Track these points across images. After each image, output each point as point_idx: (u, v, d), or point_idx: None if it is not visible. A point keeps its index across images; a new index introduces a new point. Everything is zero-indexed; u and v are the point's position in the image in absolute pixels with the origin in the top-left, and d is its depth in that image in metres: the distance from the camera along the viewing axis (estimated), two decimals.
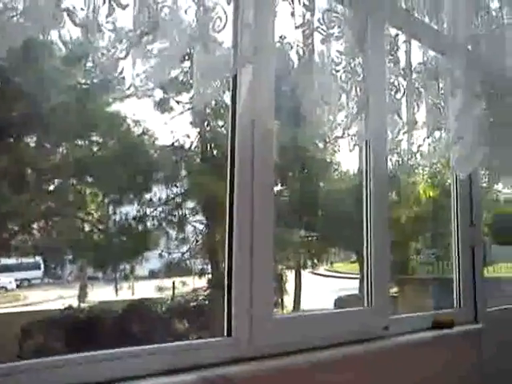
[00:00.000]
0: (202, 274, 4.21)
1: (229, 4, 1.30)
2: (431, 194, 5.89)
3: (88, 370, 1.23)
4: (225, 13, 1.28)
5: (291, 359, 1.56)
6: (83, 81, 3.43)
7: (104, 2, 1.06)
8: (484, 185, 2.70)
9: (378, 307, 1.92)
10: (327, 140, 1.62)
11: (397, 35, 1.86)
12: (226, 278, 1.52)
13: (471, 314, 2.42)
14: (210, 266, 4.25)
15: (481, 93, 2.16)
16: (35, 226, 3.58)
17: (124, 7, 1.08)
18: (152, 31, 1.13)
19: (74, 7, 1.02)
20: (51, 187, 3.72)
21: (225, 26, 1.28)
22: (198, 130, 4.30)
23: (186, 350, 1.42)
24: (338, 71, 1.59)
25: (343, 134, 1.61)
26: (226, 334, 1.50)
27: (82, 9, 1.03)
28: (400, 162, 1.98)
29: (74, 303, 3.54)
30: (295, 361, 1.56)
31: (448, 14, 2.12)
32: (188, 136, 4.18)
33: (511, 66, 2.48)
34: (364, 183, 1.98)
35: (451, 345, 2.14)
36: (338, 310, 1.88)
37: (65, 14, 1.01)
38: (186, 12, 1.22)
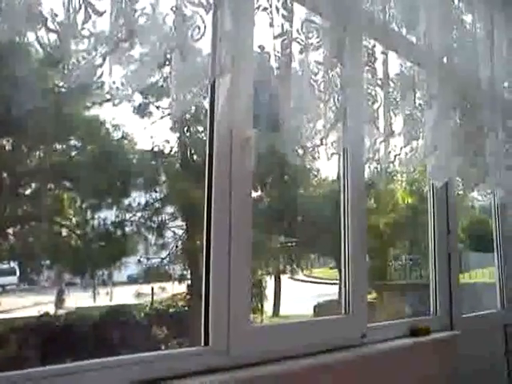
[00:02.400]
0: (181, 279, 4.18)
1: (207, 13, 1.30)
2: (409, 200, 5.96)
3: (64, 382, 1.21)
4: (203, 22, 1.29)
5: (269, 368, 1.55)
6: (61, 84, 3.39)
7: (80, 8, 1.05)
8: (460, 192, 2.74)
9: (355, 315, 1.93)
10: (305, 148, 1.62)
11: (374, 46, 1.88)
12: (203, 286, 1.51)
13: (447, 321, 2.46)
14: (189, 272, 4.23)
15: (456, 104, 2.21)
16: (10, 230, 3.52)
17: (101, 14, 1.07)
18: (129, 38, 1.12)
19: (49, 12, 1.01)
20: (27, 191, 3.66)
21: (203, 34, 1.28)
22: (178, 135, 4.29)
23: (163, 359, 1.40)
24: (316, 81, 1.60)
25: (321, 142, 1.62)
26: (203, 343, 1.49)
27: (55, 14, 1.02)
28: (378, 170, 2.00)
29: (51, 310, 3.49)
30: (273, 370, 1.55)
31: (423, 26, 2.16)
32: (168, 141, 4.17)
33: (485, 78, 2.54)
34: (342, 190, 2.00)
35: (428, 352, 2.16)
36: (316, 318, 1.89)
37: (39, 19, 1.00)
38: (164, 20, 1.22)
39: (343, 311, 1.93)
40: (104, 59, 1.07)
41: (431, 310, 2.45)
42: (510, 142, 2.65)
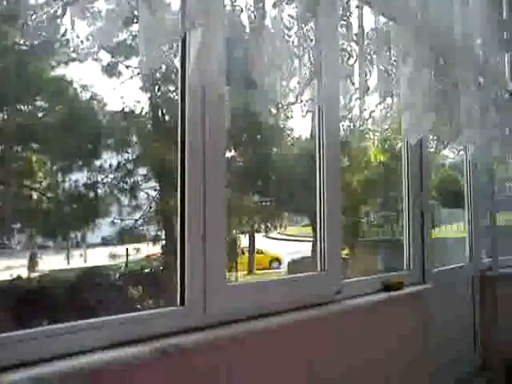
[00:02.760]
0: (155, 240, 4.16)
1: None
2: (382, 158, 6.01)
3: (38, 345, 1.20)
4: None
5: (245, 326, 1.57)
6: (22, 41, 3.23)
7: None
8: (431, 150, 2.76)
9: (330, 272, 1.96)
10: (280, 106, 1.59)
11: (349, 0, 1.83)
12: (179, 246, 1.50)
13: (420, 275, 2.52)
14: (163, 233, 4.21)
15: (430, 61, 2.19)
16: None
17: None
18: None
19: None
20: None
21: None
22: (149, 95, 4.18)
23: (138, 320, 1.40)
24: (290, 36, 1.55)
25: (296, 99, 1.59)
26: (179, 303, 1.49)
27: None
28: (351, 128, 1.98)
29: (24, 273, 3.44)
30: (249, 327, 1.57)
31: None
32: (138, 101, 4.05)
33: (459, 35, 2.52)
34: (317, 149, 1.99)
35: (401, 305, 2.23)
36: (292, 276, 1.91)
37: None
38: None
39: (318, 268, 1.95)
40: (64, 10, 1.00)
41: (404, 264, 2.51)
42: (482, 99, 2.66)
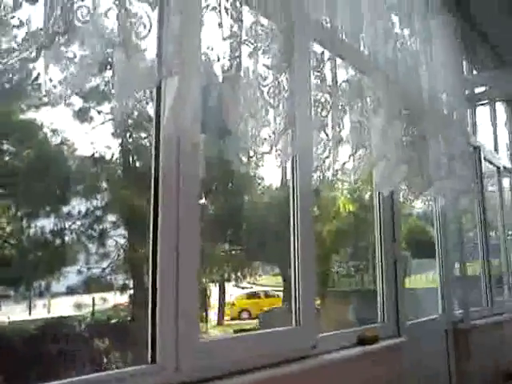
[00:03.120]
0: (123, 289, 4.05)
1: (153, 10, 1.23)
2: (350, 208, 6.09)
3: None
4: (149, 19, 1.22)
5: None
6: None
7: None
8: (401, 200, 2.80)
9: (306, 326, 1.91)
10: (252, 154, 1.58)
11: (322, 52, 1.88)
12: (150, 299, 1.42)
13: (394, 328, 2.49)
14: (132, 282, 4.10)
15: (400, 113, 2.25)
16: None
17: (33, 2, 0.98)
18: (66, 32, 1.03)
19: None
20: None
21: (149, 33, 1.22)
22: (120, 141, 4.16)
23: (110, 380, 1.30)
24: (265, 86, 1.57)
25: (271, 149, 1.58)
26: (150, 361, 1.40)
27: None
28: (321, 177, 1.99)
29: None
30: None
31: (367, 36, 2.19)
32: (109, 147, 4.03)
33: (425, 89, 2.61)
34: (291, 199, 1.97)
35: (376, 359, 2.18)
36: (267, 331, 1.85)
37: None
38: (106, 15, 1.14)
39: (293, 322, 1.90)
40: (38, 54, 0.98)
41: (378, 317, 2.47)
42: (449, 151, 2.73)
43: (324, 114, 1.83)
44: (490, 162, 4.38)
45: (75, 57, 1.09)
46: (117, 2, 1.14)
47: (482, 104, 4.48)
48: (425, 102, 2.58)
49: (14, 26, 0.92)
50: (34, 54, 0.96)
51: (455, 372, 3.04)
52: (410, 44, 2.54)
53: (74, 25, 1.02)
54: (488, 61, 4.20)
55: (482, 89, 4.33)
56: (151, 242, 1.45)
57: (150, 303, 1.41)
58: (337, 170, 1.92)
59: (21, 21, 0.94)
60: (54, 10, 0.99)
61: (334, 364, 1.92)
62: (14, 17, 0.92)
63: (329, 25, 2.01)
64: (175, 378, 1.40)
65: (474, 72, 4.39)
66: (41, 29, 0.97)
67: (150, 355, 1.40)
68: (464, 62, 3.79)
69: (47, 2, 0.99)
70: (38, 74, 1.05)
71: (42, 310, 3.64)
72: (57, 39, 0.99)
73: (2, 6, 0.91)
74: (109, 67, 1.24)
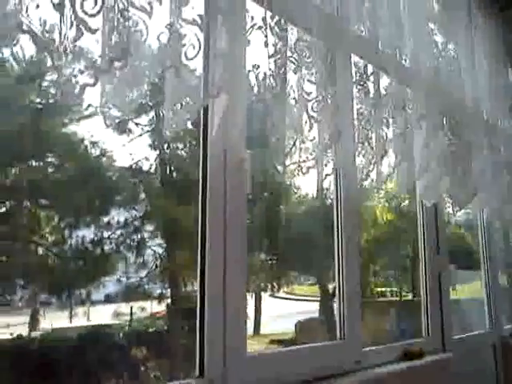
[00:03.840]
0: (160, 298, 4.09)
1: (202, 31, 1.26)
2: (388, 217, 5.99)
3: None
4: (198, 40, 1.25)
5: None
6: (38, 100, 3.31)
7: (72, 25, 1.00)
8: (446, 211, 2.74)
9: (350, 340, 1.89)
10: (297, 167, 1.59)
11: (365, 65, 1.87)
12: (198, 313, 1.44)
13: (439, 342, 2.43)
14: (169, 291, 4.14)
15: (443, 124, 2.22)
16: None
17: (93, 31, 1.02)
18: (122, 57, 1.07)
19: (36, 27, 0.96)
20: (2, 209, 3.55)
21: (198, 53, 1.25)
22: (158, 152, 4.23)
23: None
24: (309, 100, 1.58)
25: (316, 163, 1.59)
26: (198, 374, 1.42)
27: (46, 31, 0.97)
28: (364, 188, 1.98)
29: (25, 332, 3.36)
30: None
31: (409, 47, 2.17)
32: (147, 158, 4.10)
33: (469, 99, 2.57)
34: (334, 209, 1.97)
35: (422, 375, 2.13)
36: (312, 345, 1.84)
37: (27, 35, 0.95)
38: (158, 38, 1.17)
39: (338, 336, 1.89)
40: (96, 79, 1.02)
41: (423, 331, 2.42)
42: (494, 160, 2.67)
43: (368, 126, 1.82)
44: None
45: (123, 75, 1.13)
46: (168, 26, 1.17)
47: None
48: (468, 111, 2.53)
49: (75, 54, 0.96)
50: (92, 80, 1.00)
51: None
52: (451, 52, 2.50)
53: (129, 50, 1.06)
54: None
55: None
56: (199, 254, 1.47)
57: (198, 317, 1.43)
58: (381, 182, 1.90)
59: (81, 48, 0.98)
60: (111, 38, 1.02)
61: (379, 379, 1.89)
62: (75, 46, 0.96)
63: (369, 36, 2.01)
64: None
65: None
66: (99, 56, 1.01)
67: (198, 368, 1.42)
68: (509, 68, 3.70)
69: (105, 31, 1.03)
70: (81, 88, 1.08)
71: (82, 318, 3.71)
72: (114, 64, 1.02)
73: (66, 36, 0.96)
74: (150, 81, 1.27)
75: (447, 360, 2.27)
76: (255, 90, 1.43)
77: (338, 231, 1.94)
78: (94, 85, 1.00)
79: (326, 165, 1.61)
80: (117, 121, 1.18)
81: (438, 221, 2.49)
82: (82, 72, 0.98)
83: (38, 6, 0.95)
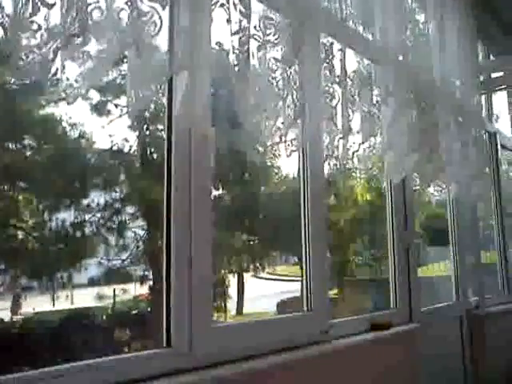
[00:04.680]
0: (143, 280, 4.12)
1: (164, 9, 1.28)
2: (368, 197, 6.07)
3: None
4: (160, 18, 1.26)
5: (232, 368, 1.54)
6: (13, 81, 3.27)
7: (28, 1, 1.01)
8: (417, 188, 2.81)
9: (317, 311, 1.94)
10: (263, 145, 1.63)
11: (332, 43, 1.90)
12: (164, 286, 1.49)
13: (407, 314, 2.51)
14: (151, 273, 4.17)
15: (411, 101, 2.26)
16: None
17: (50, 6, 1.03)
18: (82, 33, 1.09)
19: None
20: None
21: (160, 30, 1.26)
22: (137, 133, 4.22)
23: (126, 363, 1.37)
24: (274, 78, 1.60)
25: (280, 139, 1.62)
26: (165, 345, 1.46)
27: (2, 7, 0.98)
28: (337, 167, 2.02)
29: (6, 316, 3.36)
30: (236, 369, 1.54)
31: (379, 24, 2.20)
32: (127, 140, 4.08)
33: (438, 76, 2.61)
34: (302, 187, 2.01)
35: (389, 345, 2.20)
36: (279, 316, 1.89)
37: None
38: (118, 15, 1.19)
39: (305, 308, 1.94)
40: (55, 54, 1.03)
41: (391, 304, 2.50)
42: (462, 138, 2.73)
43: (333, 103, 1.86)
44: (509, 149, 4.34)
45: (91, 52, 1.14)
46: (129, 3, 1.19)
47: (500, 89, 4.41)
48: (437, 89, 2.57)
49: (32, 30, 0.98)
50: (51, 55, 1.02)
51: (470, 358, 3.05)
52: (423, 30, 2.53)
53: (89, 26, 1.07)
54: (506, 45, 4.14)
55: (500, 74, 4.27)
56: (165, 233, 1.51)
57: (164, 290, 1.47)
58: (347, 159, 1.94)
59: (39, 24, 0.99)
60: (69, 13, 1.04)
61: (346, 349, 1.95)
62: (32, 21, 0.98)
63: (338, 14, 2.03)
64: (188, 361, 1.46)
65: (492, 57, 4.34)
66: (58, 31, 1.03)
67: (165, 339, 1.46)
68: (480, 47, 3.75)
69: (63, 5, 1.04)
70: (56, 70, 1.10)
71: (65, 301, 3.71)
72: (73, 40, 1.04)
73: (21, 12, 0.97)
74: (125, 60, 1.29)
75: (412, 330, 2.35)
76: (219, 66, 1.45)
77: (304, 208, 1.98)
78: (52, 60, 1.02)
79: (291, 141, 1.64)
80: (85, 99, 1.19)
81: (405, 198, 2.54)
82: (40, 48, 1.00)
83: None
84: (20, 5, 0.97)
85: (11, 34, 0.99)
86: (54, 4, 1.02)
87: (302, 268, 1.99)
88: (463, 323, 3.04)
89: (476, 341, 3.05)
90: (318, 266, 1.95)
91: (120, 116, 3.98)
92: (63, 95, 1.17)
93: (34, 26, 0.99)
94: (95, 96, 3.75)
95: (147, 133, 4.27)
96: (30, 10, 0.98)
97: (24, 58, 1.03)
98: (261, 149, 1.68)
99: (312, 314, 1.93)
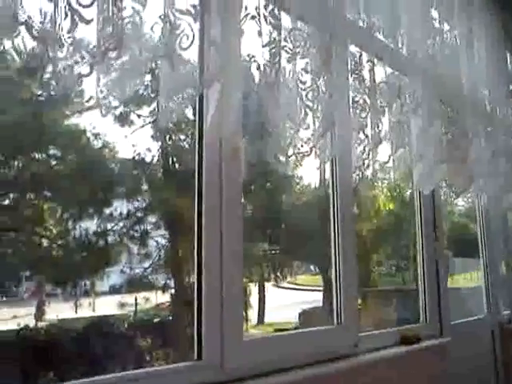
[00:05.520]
0: (165, 289, 4.14)
1: (196, 22, 1.28)
2: (390, 206, 6.01)
3: None
4: (192, 30, 1.26)
5: (263, 382, 1.52)
6: (39, 92, 3.33)
7: (66, 16, 1.02)
8: (442, 198, 2.76)
9: (347, 324, 1.92)
10: (291, 155, 1.62)
11: (361, 54, 1.88)
12: (195, 298, 1.48)
13: (437, 328, 2.46)
14: (173, 281, 4.18)
15: (440, 111, 2.22)
16: None
17: (88, 22, 1.04)
18: (117, 47, 1.09)
19: (31, 19, 0.98)
20: (6, 202, 3.58)
21: (192, 43, 1.26)
22: (160, 143, 4.26)
23: (157, 376, 1.36)
24: (304, 89, 1.59)
25: (310, 151, 1.61)
26: (196, 357, 1.45)
27: (41, 22, 0.99)
28: (360, 176, 2.00)
29: (31, 322, 3.40)
30: (267, 383, 1.53)
31: (405, 34, 2.18)
32: (149, 150, 4.13)
33: (467, 85, 2.57)
34: (331, 198, 1.99)
35: (419, 360, 2.16)
36: (308, 329, 1.87)
37: (23, 27, 0.96)
38: (151, 29, 1.19)
39: (335, 321, 1.91)
40: (91, 69, 1.04)
41: (420, 317, 2.45)
42: (492, 148, 2.68)
43: (363, 115, 1.84)
44: None
45: (119, 65, 1.15)
46: (162, 17, 1.19)
47: None
48: (466, 99, 2.53)
49: (70, 44, 0.98)
50: (87, 70, 1.03)
51: (502, 374, 2.97)
52: (450, 39, 2.50)
53: (124, 40, 1.08)
54: None
55: None
56: (196, 243, 1.50)
57: (195, 301, 1.46)
58: (376, 170, 1.92)
59: (75, 39, 1.00)
60: (105, 28, 1.05)
61: (376, 363, 1.92)
62: (70, 37, 0.98)
63: (366, 25, 2.01)
64: (220, 374, 1.44)
65: None
66: (94, 46, 1.04)
67: (196, 352, 1.45)
68: (509, 56, 3.68)
69: (99, 22, 1.05)
70: (76, 78, 1.10)
71: (88, 309, 3.75)
72: (108, 54, 1.04)
73: (60, 27, 0.98)
74: (148, 71, 1.29)
75: (443, 344, 2.30)
76: (249, 78, 1.45)
77: (334, 220, 1.96)
78: (88, 75, 1.02)
79: (321, 153, 1.63)
80: (114, 111, 1.20)
81: (435, 208, 2.50)
82: (77, 63, 1.01)
83: None
84: (59, 21, 0.98)
85: (47, 48, 1.00)
86: (91, 20, 1.03)
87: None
88: (495, 338, 2.96)
89: (509, 357, 2.96)
90: (348, 278, 1.93)
91: (143, 126, 4.02)
92: (88, 105, 1.18)
93: (71, 41, 1.00)
94: (115, 104, 3.79)
95: (169, 143, 4.31)
96: (68, 25, 0.99)
97: (58, 73, 1.04)
98: (283, 159, 1.66)
99: (342, 326, 1.90)
